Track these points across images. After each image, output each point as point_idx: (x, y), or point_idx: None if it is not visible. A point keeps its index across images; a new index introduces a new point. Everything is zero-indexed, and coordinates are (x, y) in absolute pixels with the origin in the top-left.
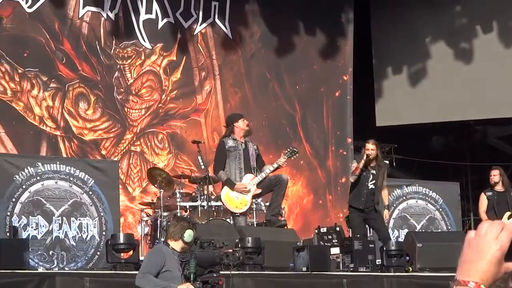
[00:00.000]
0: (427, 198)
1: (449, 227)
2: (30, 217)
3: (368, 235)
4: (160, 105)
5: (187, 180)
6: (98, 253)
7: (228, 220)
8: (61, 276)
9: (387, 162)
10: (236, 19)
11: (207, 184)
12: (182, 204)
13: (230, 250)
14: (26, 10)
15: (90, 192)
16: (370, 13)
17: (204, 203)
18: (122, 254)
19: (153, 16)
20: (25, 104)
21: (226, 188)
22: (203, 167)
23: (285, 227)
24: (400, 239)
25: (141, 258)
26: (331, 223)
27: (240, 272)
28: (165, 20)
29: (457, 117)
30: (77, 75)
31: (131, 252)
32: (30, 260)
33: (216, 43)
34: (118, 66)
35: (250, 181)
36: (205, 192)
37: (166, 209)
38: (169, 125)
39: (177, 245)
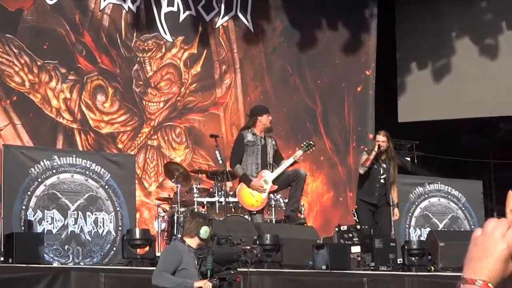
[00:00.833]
0: (449, 196)
1: (472, 226)
2: (45, 211)
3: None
4: (178, 98)
5: (204, 175)
6: (114, 248)
7: (246, 216)
8: (76, 271)
9: (408, 159)
10: (258, 12)
11: (225, 179)
12: (199, 199)
13: (248, 247)
14: (47, 2)
15: (106, 186)
16: (395, 8)
17: (222, 199)
18: (138, 249)
19: (174, 8)
20: (42, 96)
21: (242, 184)
22: (221, 162)
23: (305, 225)
24: (422, 238)
25: (158, 254)
26: (352, 221)
27: (258, 269)
28: (187, 12)
29: (480, 114)
30: (96, 67)
31: (147, 248)
32: (45, 255)
33: (238, 37)
34: (138, 59)
35: (267, 178)
36: (223, 187)
37: (183, 204)
38: (187, 118)
39: (193, 242)
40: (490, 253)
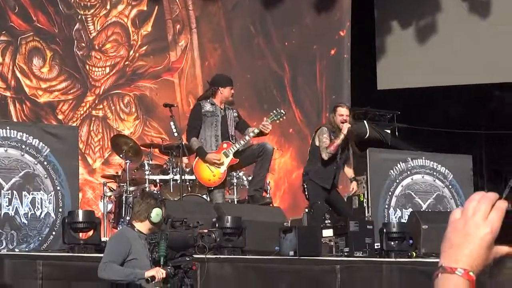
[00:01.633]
0: (435, 173)
1: (460, 207)
2: None
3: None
4: (127, 62)
5: (157, 149)
6: (54, 232)
7: (204, 196)
8: (10, 258)
9: (388, 131)
10: None
11: (181, 154)
12: (151, 177)
13: (206, 231)
14: None
15: (45, 163)
16: None
17: (177, 177)
18: (81, 234)
19: None
20: None
21: (199, 158)
22: (176, 134)
23: (271, 205)
24: (403, 220)
25: (103, 239)
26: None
27: (217, 256)
28: None
29: (471, 80)
30: (31, 26)
31: (91, 232)
32: None
33: None
34: (79, 17)
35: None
36: (178, 164)
37: (132, 183)
38: (137, 86)
39: (143, 227)
40: (472, 239)
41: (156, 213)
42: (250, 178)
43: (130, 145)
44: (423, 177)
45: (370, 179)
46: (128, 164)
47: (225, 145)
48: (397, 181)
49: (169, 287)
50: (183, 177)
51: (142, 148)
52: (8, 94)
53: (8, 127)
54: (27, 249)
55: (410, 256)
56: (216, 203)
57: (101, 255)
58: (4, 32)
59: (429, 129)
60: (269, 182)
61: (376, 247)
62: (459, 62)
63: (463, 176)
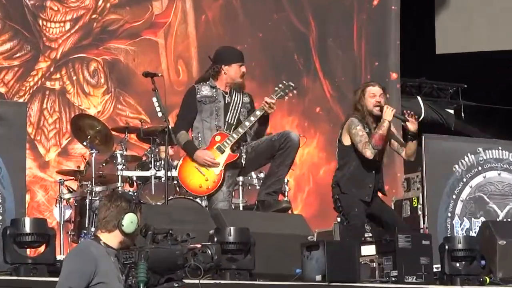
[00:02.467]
0: None
1: None
2: None
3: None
4: (94, 16)
5: (134, 135)
6: None
7: (198, 200)
8: None
9: (451, 111)
10: None
11: (166, 142)
12: (126, 173)
13: (199, 245)
14: None
15: None
16: None
17: (161, 173)
18: (28, 250)
19: None
20: None
21: (185, 157)
22: (160, 115)
23: (289, 212)
24: (472, 233)
25: (59, 257)
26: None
27: (216, 281)
28: None
29: None
30: None
31: (42, 248)
32: None
33: None
34: None
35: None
36: (162, 155)
37: (99, 181)
38: (108, 48)
39: (112, 239)
40: None
41: (130, 220)
42: (261, 174)
43: (97, 129)
44: (499, 174)
45: (427, 178)
46: (94, 155)
47: (217, 138)
48: (464, 180)
49: None
50: (169, 174)
51: (113, 133)
52: None
53: None
54: None
55: (483, 282)
56: (214, 209)
57: (57, 278)
58: None
59: (508, 109)
60: (288, 180)
61: (435, 270)
62: None
63: None
